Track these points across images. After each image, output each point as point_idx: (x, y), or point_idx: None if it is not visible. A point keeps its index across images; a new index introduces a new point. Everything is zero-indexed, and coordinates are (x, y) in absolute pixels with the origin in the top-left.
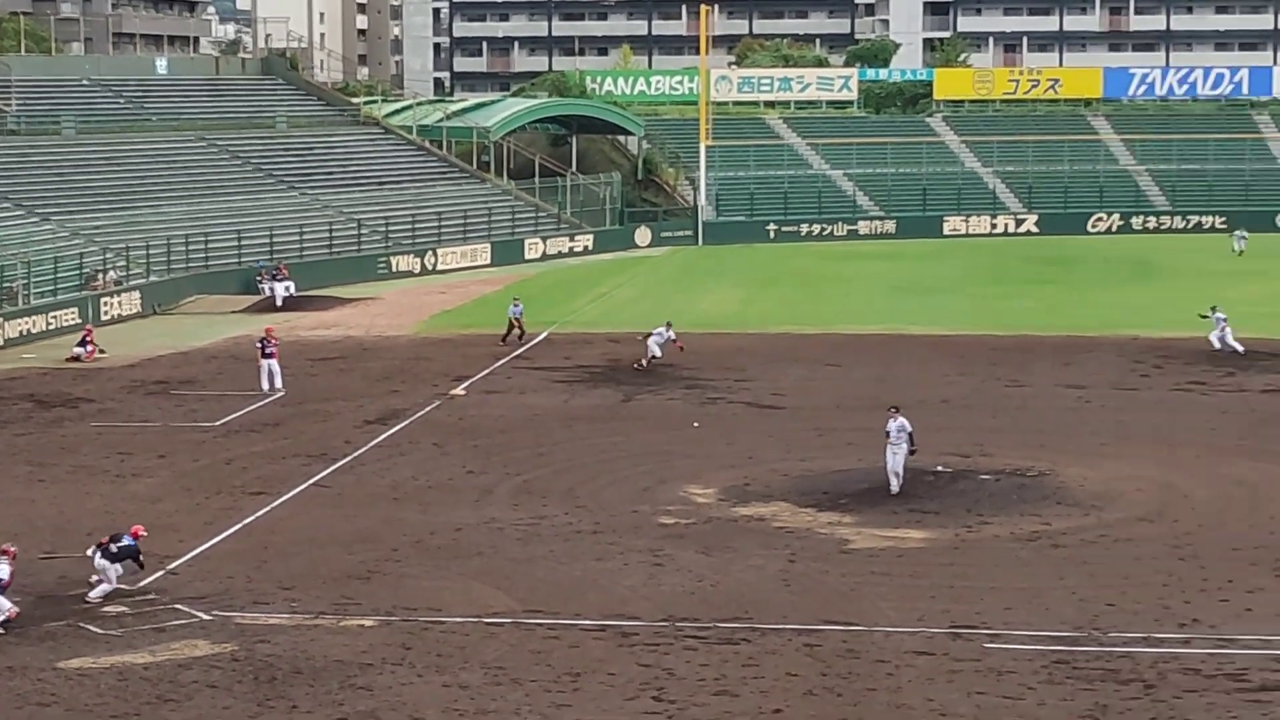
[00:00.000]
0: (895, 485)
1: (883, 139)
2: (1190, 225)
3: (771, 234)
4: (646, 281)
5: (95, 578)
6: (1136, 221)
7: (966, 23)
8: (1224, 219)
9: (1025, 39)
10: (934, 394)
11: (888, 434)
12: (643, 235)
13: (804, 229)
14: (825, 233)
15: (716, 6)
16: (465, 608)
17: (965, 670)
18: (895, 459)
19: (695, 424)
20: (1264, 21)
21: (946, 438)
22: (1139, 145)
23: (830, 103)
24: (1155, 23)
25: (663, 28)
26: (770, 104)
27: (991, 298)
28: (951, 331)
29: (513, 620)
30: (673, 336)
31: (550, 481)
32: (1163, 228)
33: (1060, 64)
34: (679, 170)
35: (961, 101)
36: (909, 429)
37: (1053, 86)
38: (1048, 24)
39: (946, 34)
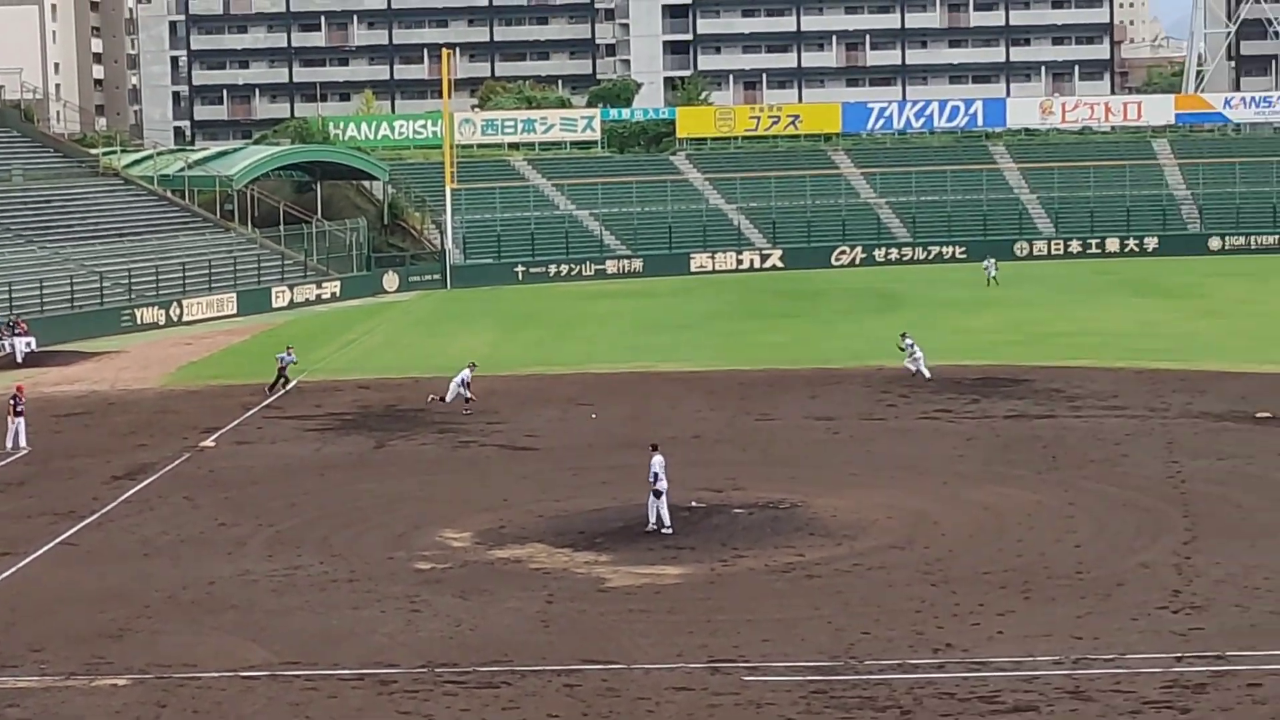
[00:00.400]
0: (654, 520)
1: (627, 178)
2: (931, 256)
3: (520, 275)
4: (395, 327)
5: None
6: (879, 254)
7: (707, 61)
8: (964, 249)
9: (765, 76)
10: (685, 430)
11: (655, 475)
12: (390, 280)
13: (552, 270)
14: (573, 273)
15: (458, 50)
16: (220, 662)
17: (725, 704)
18: (663, 498)
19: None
20: (996, 55)
21: (699, 473)
22: (879, 178)
23: (574, 143)
24: (891, 58)
25: (405, 72)
26: (514, 146)
27: (739, 333)
28: (701, 368)
29: (269, 673)
30: (467, 379)
31: (304, 531)
32: (905, 259)
33: (800, 100)
34: (425, 214)
35: (704, 139)
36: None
37: (793, 122)
38: (786, 61)
39: (687, 73)
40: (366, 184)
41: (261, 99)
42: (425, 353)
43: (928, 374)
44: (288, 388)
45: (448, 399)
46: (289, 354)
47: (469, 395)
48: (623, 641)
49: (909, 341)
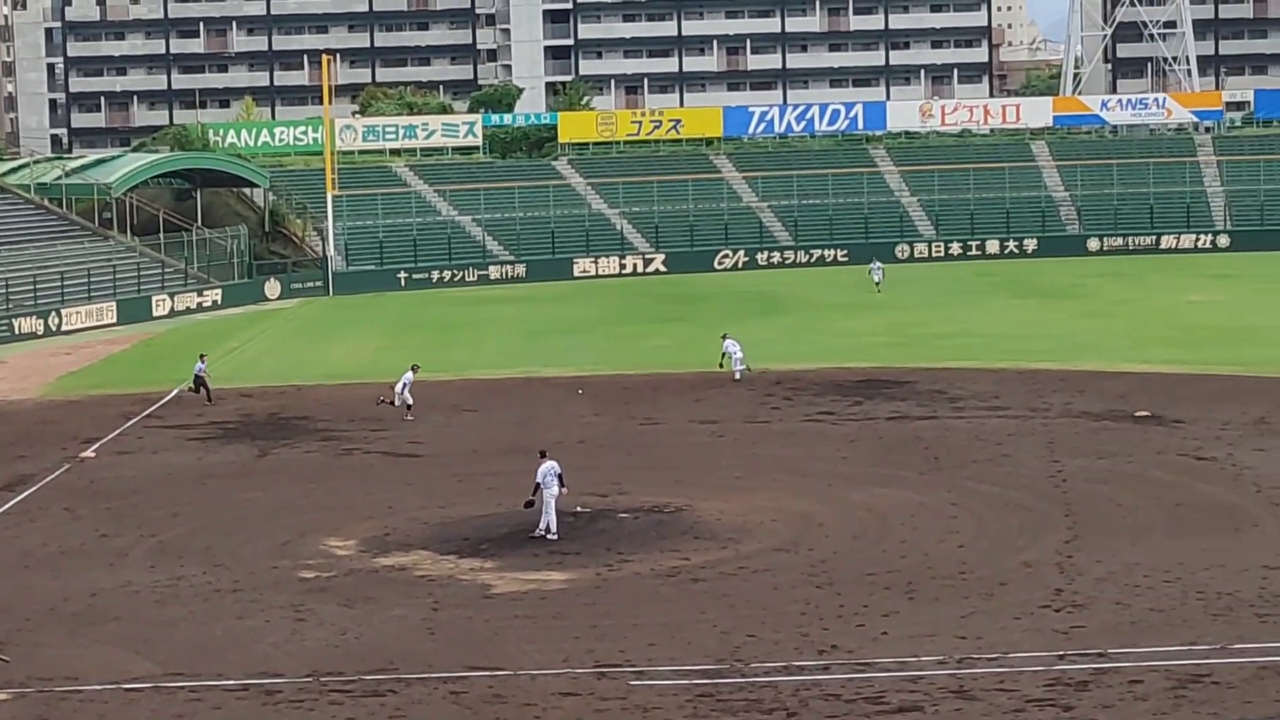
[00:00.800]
0: (542, 527)
1: (510, 183)
2: (813, 259)
3: (402, 282)
4: (278, 334)
5: None
6: (761, 257)
7: (588, 66)
8: (845, 252)
9: (646, 81)
10: (571, 435)
11: (543, 481)
12: (272, 288)
13: (435, 276)
14: (456, 279)
15: (338, 56)
16: (103, 675)
17: (611, 709)
18: (548, 503)
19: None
20: (875, 58)
21: (584, 478)
22: (761, 182)
23: (456, 149)
24: (771, 62)
25: (284, 78)
26: (396, 152)
27: (623, 338)
28: (585, 372)
29: (153, 685)
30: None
31: (187, 541)
32: (787, 262)
33: (681, 104)
34: (307, 221)
35: (586, 144)
36: (558, 470)
37: (675, 127)
38: (668, 65)
39: (569, 78)
40: (247, 191)
41: (140, 106)
42: (308, 360)
43: (737, 375)
44: (199, 393)
45: (396, 403)
46: (202, 362)
47: (409, 401)
48: (508, 648)
49: (729, 343)
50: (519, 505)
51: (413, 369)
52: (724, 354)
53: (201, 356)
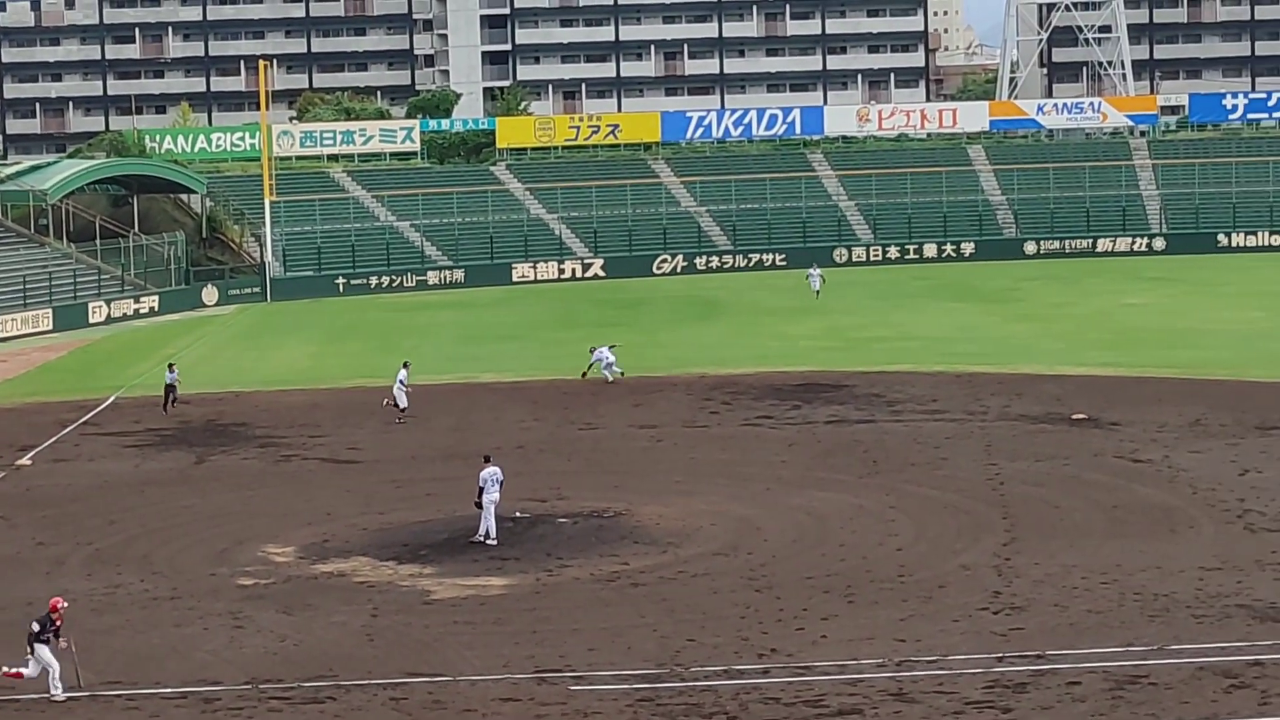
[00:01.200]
0: (481, 532)
1: (448, 189)
2: (752, 263)
3: (341, 288)
4: (215, 341)
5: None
6: (700, 262)
7: (526, 71)
8: (784, 256)
9: (584, 86)
10: (509, 440)
11: (483, 486)
12: (210, 294)
13: (373, 281)
14: (395, 284)
15: (275, 61)
16: (40, 684)
17: (551, 714)
18: (487, 508)
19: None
20: (813, 63)
21: (524, 483)
22: (699, 187)
23: (394, 154)
24: (709, 67)
25: (221, 84)
26: (334, 157)
27: (562, 343)
28: (524, 378)
29: (90, 694)
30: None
31: (124, 549)
32: (726, 267)
33: (619, 109)
34: (244, 227)
35: (524, 149)
36: (500, 477)
37: (613, 132)
38: (605, 71)
39: (506, 83)
40: (184, 197)
41: (75, 112)
42: (245, 367)
43: (610, 377)
44: (173, 404)
45: (399, 404)
46: (172, 372)
47: (403, 402)
48: (448, 653)
49: (601, 352)
50: (458, 511)
51: (405, 366)
52: (592, 363)
53: (171, 365)
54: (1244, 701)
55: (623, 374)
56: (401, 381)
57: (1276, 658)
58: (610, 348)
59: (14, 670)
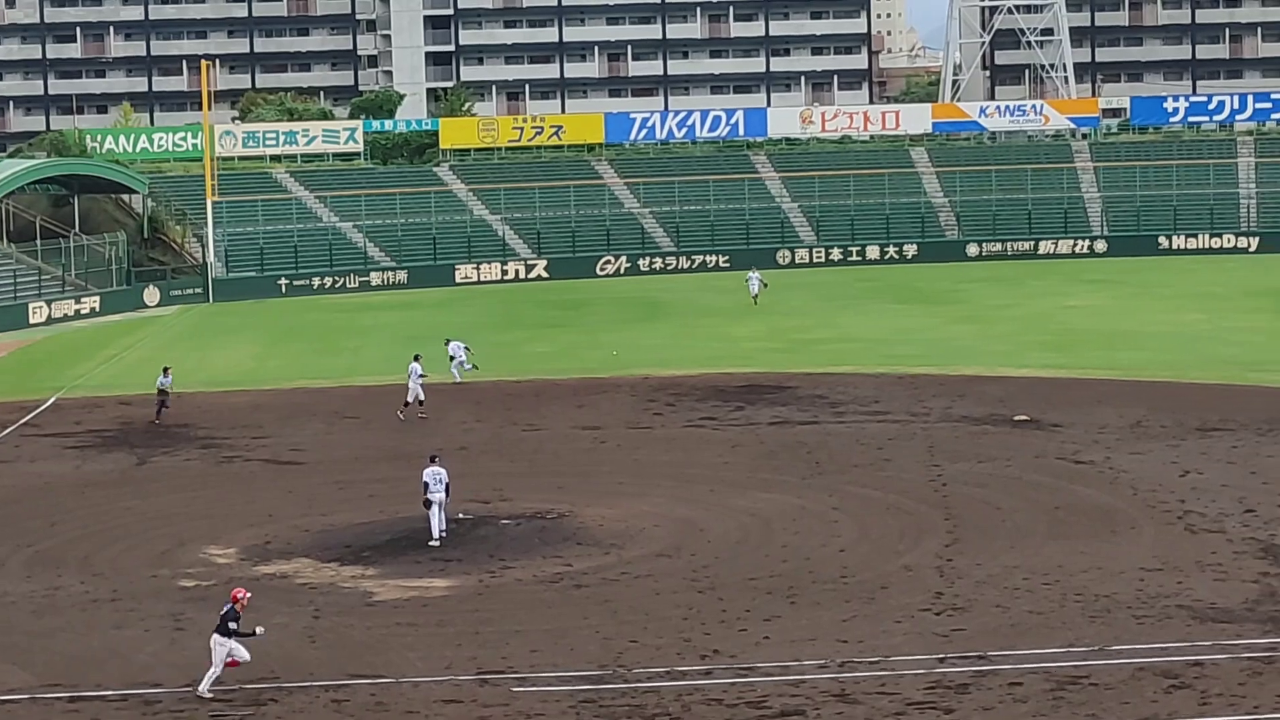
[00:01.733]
0: (436, 534)
1: (391, 190)
2: (695, 265)
3: (283, 289)
4: (157, 341)
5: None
6: (644, 263)
7: (469, 72)
8: (727, 258)
9: (528, 87)
10: (452, 441)
11: (426, 485)
12: (151, 295)
13: (316, 282)
14: (338, 285)
15: (218, 61)
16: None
17: (494, 716)
18: (438, 508)
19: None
20: (756, 65)
21: (467, 484)
22: (642, 188)
23: (337, 155)
24: (653, 68)
25: (163, 84)
26: (276, 158)
27: (505, 344)
28: (467, 379)
29: (30, 696)
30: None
31: (64, 550)
32: (669, 268)
33: (563, 110)
34: (186, 227)
35: (468, 150)
36: (443, 477)
37: (556, 133)
38: (549, 72)
39: (450, 84)
40: (126, 197)
41: (16, 111)
42: (187, 368)
43: (458, 375)
44: (160, 414)
45: (422, 398)
46: (166, 376)
47: (420, 396)
48: (391, 655)
49: (454, 346)
50: (401, 512)
51: (416, 358)
52: (452, 356)
53: (165, 369)
54: (1184, 702)
55: (475, 367)
56: (418, 374)
57: (1216, 658)
58: (465, 347)
59: (233, 660)
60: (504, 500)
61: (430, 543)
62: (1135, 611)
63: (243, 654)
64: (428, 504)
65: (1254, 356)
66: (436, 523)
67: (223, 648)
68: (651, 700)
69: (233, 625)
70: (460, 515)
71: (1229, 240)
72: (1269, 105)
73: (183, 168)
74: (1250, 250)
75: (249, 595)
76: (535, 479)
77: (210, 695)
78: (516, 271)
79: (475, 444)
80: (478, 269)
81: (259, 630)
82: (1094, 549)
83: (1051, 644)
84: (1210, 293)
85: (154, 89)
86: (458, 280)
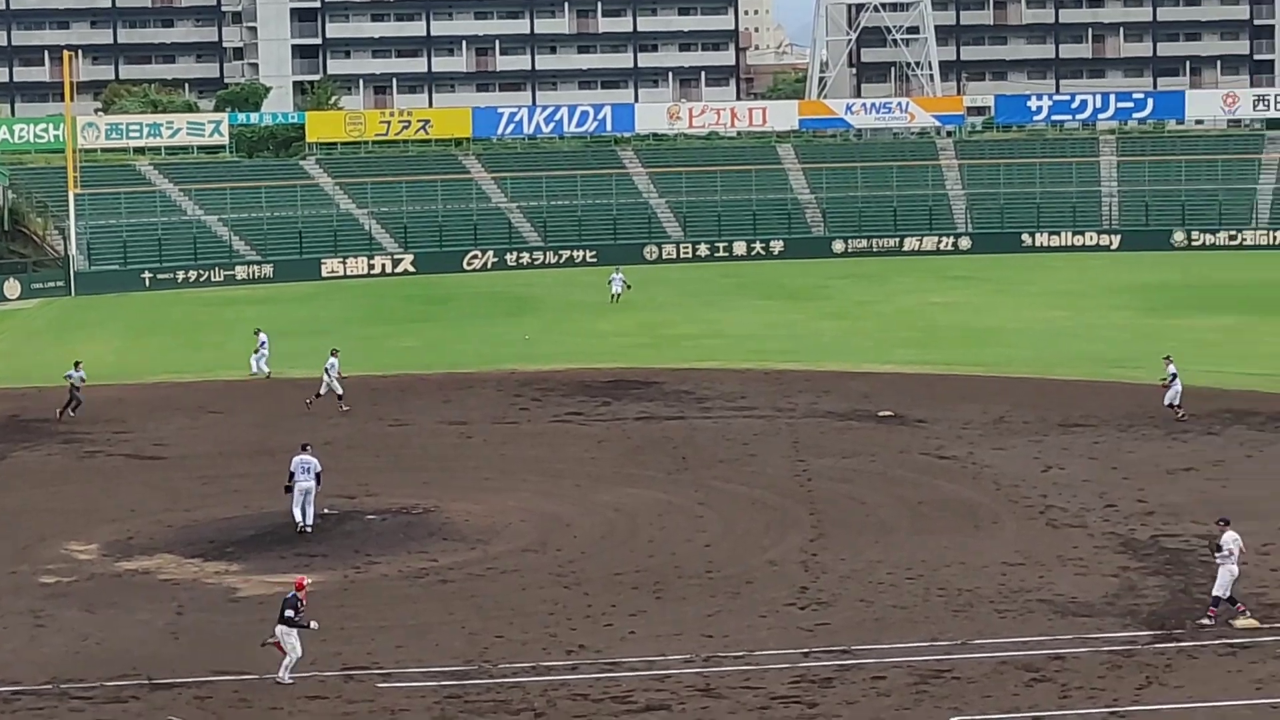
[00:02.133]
0: (309, 521)
1: (256, 183)
2: (562, 260)
3: (147, 282)
4: (17, 335)
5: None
6: (511, 258)
7: (336, 65)
8: (595, 253)
9: (395, 81)
10: (318, 437)
11: (292, 473)
12: (12, 288)
13: (180, 276)
14: (202, 279)
15: (80, 52)
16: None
17: (358, 712)
18: (305, 496)
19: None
20: (624, 60)
21: (332, 480)
22: (510, 183)
23: (201, 148)
24: (521, 63)
25: (25, 74)
26: (140, 150)
27: (371, 338)
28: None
29: None
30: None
31: None
32: (536, 263)
33: (430, 105)
34: (48, 220)
35: (334, 144)
36: (318, 468)
37: (424, 127)
38: (416, 65)
39: (317, 77)
40: None
41: None
42: (49, 361)
43: (257, 368)
44: (77, 410)
45: (338, 391)
46: (77, 370)
47: (339, 391)
48: (254, 651)
49: (262, 337)
50: (265, 507)
51: (333, 353)
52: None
53: (77, 364)
54: (1045, 695)
55: (268, 375)
56: (333, 369)
57: (1077, 651)
58: (258, 348)
59: (276, 641)
60: (370, 495)
61: (299, 530)
62: (998, 605)
63: (290, 643)
64: (289, 490)
65: (1116, 353)
66: (303, 511)
67: (290, 636)
68: (517, 695)
69: (289, 614)
70: (325, 510)
71: (1091, 238)
72: (1131, 105)
73: (44, 159)
74: (1112, 248)
75: (310, 583)
76: (401, 474)
77: (291, 681)
78: (383, 266)
79: (340, 439)
80: (344, 263)
81: (313, 624)
82: (957, 544)
83: (915, 638)
84: (1073, 290)
85: (15, 79)
86: (324, 274)
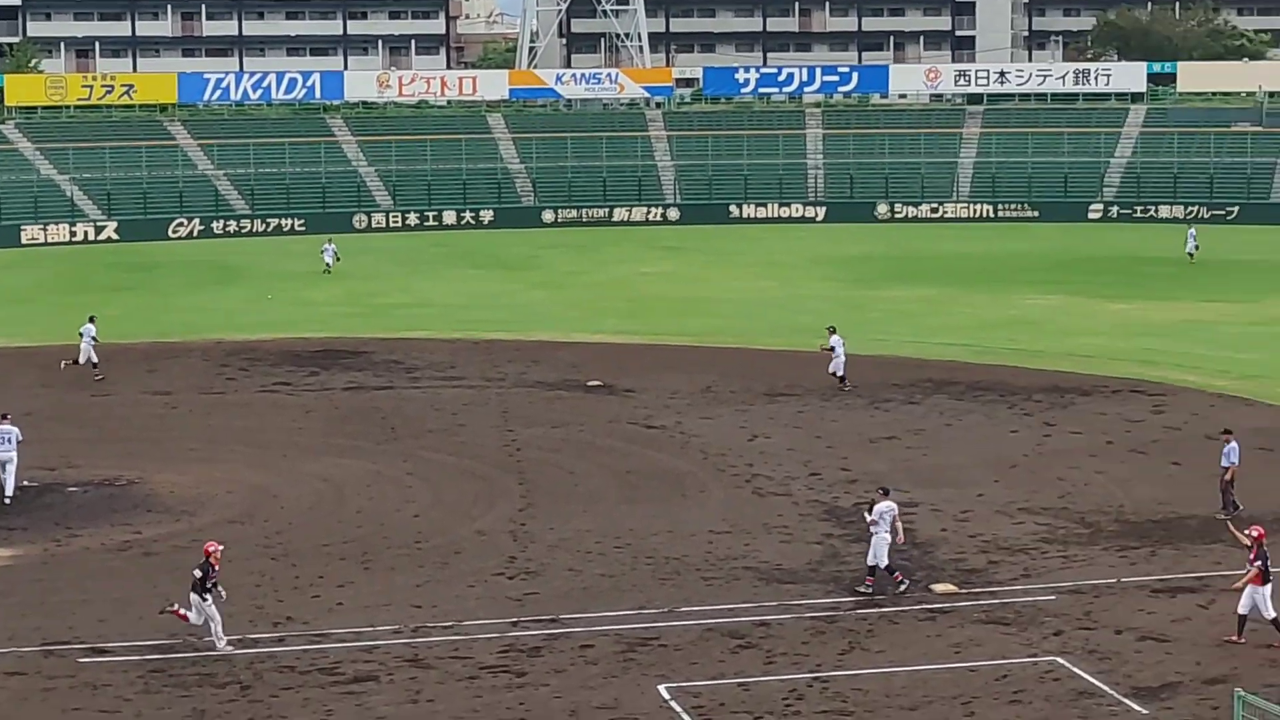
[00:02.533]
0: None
1: None
2: (271, 229)
3: None
4: None
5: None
6: (218, 226)
7: (36, 28)
8: (303, 222)
9: (98, 44)
10: (17, 408)
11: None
12: None
13: None
14: None
15: None
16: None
17: (59, 687)
18: (4, 467)
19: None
20: (334, 27)
21: (32, 451)
22: (216, 150)
23: None
24: (228, 28)
25: None
26: None
27: (73, 307)
28: (33, 343)
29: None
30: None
31: None
32: (244, 231)
33: (134, 69)
34: None
35: (35, 108)
36: (14, 434)
37: (128, 92)
38: (120, 29)
39: (16, 39)
40: None
41: None
42: None
43: (81, 360)
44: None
45: (80, 360)
46: (91, 324)
47: (95, 360)
48: None
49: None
50: None
51: (90, 320)
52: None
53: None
54: (750, 661)
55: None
56: (92, 337)
57: (781, 618)
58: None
59: (180, 610)
60: (71, 467)
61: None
62: (704, 573)
63: (194, 615)
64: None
65: (821, 324)
66: (8, 481)
67: (205, 605)
68: (222, 669)
69: (197, 574)
70: (25, 483)
71: (797, 210)
72: (836, 78)
73: None
74: (818, 220)
75: (221, 549)
76: (104, 445)
77: (227, 647)
78: (86, 233)
79: (41, 410)
80: (45, 230)
81: (222, 593)
82: (665, 512)
83: (622, 606)
84: (779, 260)
85: None
86: (24, 241)
